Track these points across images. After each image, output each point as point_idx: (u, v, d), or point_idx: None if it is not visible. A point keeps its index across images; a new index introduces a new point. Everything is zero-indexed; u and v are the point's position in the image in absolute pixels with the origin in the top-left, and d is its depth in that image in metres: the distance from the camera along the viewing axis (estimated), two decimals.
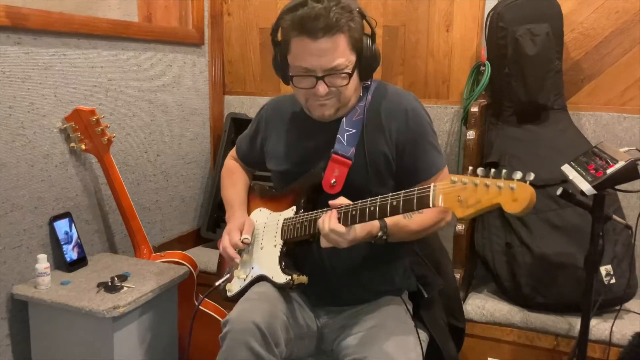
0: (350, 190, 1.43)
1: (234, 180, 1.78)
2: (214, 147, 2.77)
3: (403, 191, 1.24)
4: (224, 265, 1.73)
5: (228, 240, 1.56)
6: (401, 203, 1.24)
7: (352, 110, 1.48)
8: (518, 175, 1.02)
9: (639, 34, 2.15)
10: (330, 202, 1.36)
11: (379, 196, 1.28)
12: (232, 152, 1.84)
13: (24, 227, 1.81)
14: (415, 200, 1.21)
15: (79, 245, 1.95)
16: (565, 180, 2.01)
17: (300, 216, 1.48)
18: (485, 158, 2.23)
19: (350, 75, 1.38)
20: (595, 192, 1.46)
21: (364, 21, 1.40)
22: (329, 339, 1.54)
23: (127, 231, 2.10)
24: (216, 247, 2.59)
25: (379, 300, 1.55)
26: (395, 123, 1.46)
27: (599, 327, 1.86)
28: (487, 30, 2.22)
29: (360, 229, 1.33)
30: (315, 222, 1.39)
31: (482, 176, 1.07)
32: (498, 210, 2.01)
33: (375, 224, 1.35)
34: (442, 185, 1.14)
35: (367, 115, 1.47)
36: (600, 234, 1.61)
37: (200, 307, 2.02)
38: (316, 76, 1.36)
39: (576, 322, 1.87)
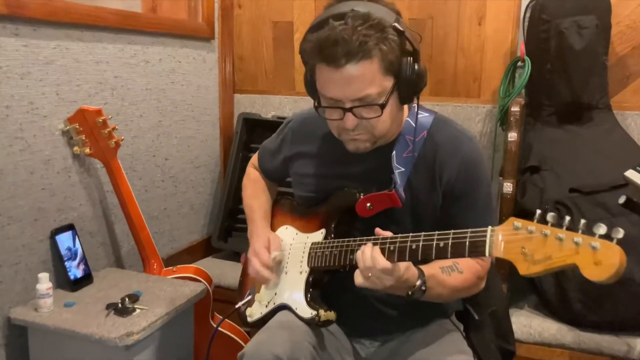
0: (385, 219, 1.25)
1: (257, 191, 1.60)
2: (224, 150, 2.58)
3: (452, 231, 1.05)
4: (246, 284, 1.55)
5: (258, 262, 1.37)
6: (450, 246, 1.04)
7: (401, 142, 1.28)
8: (602, 229, 0.84)
9: None
10: (378, 230, 1.17)
11: (422, 233, 1.09)
12: (254, 161, 1.65)
13: (22, 242, 1.62)
14: (467, 245, 1.02)
15: (84, 261, 1.75)
16: (616, 187, 1.86)
17: (329, 243, 1.29)
18: (523, 162, 2.06)
19: (383, 106, 1.16)
20: None
21: (404, 38, 1.17)
22: None
23: (135, 243, 1.90)
24: (228, 258, 2.45)
25: (430, 324, 1.38)
26: (447, 173, 1.26)
27: None
28: (527, 23, 2.06)
29: (406, 269, 1.12)
30: (347, 254, 1.22)
31: (552, 224, 0.89)
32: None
33: (416, 271, 1.16)
34: (502, 230, 0.96)
35: (420, 156, 1.27)
36: None
37: (220, 328, 1.86)
38: (343, 107, 1.17)
39: (635, 344, 1.72)
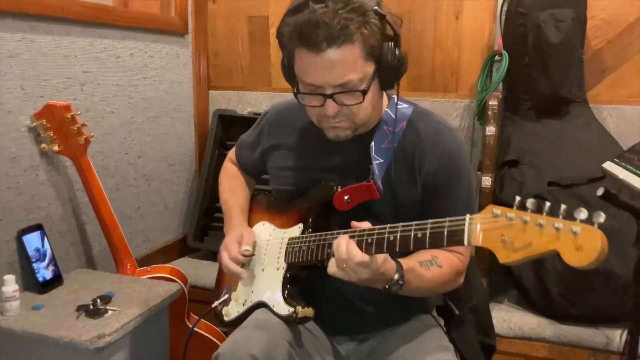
0: (364, 212, 1.22)
1: (234, 186, 1.55)
2: (199, 147, 2.53)
3: (430, 221, 1.02)
4: (223, 283, 1.51)
5: (227, 255, 1.34)
6: (428, 236, 1.01)
7: (380, 133, 1.25)
8: (582, 214, 0.81)
9: None
10: (354, 222, 1.13)
11: (400, 224, 1.06)
12: (232, 155, 1.61)
13: None
14: (445, 235, 0.98)
15: (53, 262, 1.69)
16: (594, 179, 1.87)
17: (307, 237, 1.26)
18: (502, 156, 2.05)
19: (365, 92, 1.13)
20: None
21: (385, 22, 1.13)
22: None
23: (107, 243, 1.84)
24: (205, 258, 2.40)
25: (410, 320, 1.35)
26: (427, 164, 1.24)
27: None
28: (504, 17, 2.05)
29: (383, 262, 1.08)
30: (324, 248, 1.18)
31: (532, 210, 0.86)
32: None
33: (394, 264, 1.12)
34: (481, 218, 0.92)
35: (399, 147, 1.24)
36: None
37: (196, 329, 1.81)
38: (324, 94, 1.13)
39: (615, 335, 1.72)
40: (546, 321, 1.80)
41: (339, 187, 1.25)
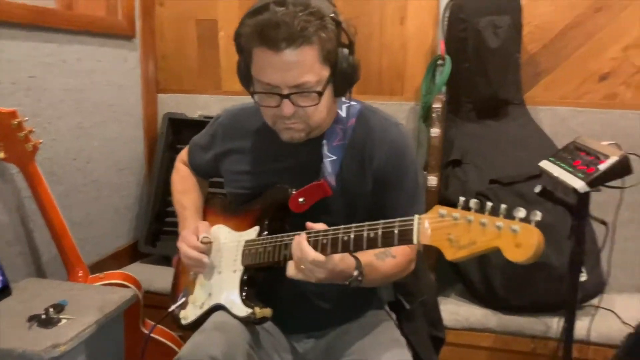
0: (318, 211, 1.26)
1: (187, 187, 1.56)
2: (148, 151, 2.51)
3: (382, 221, 1.07)
4: (179, 287, 1.52)
5: (185, 246, 1.35)
6: (380, 235, 1.06)
7: (331, 131, 1.30)
8: (521, 213, 0.88)
9: (592, 27, 2.15)
10: (309, 224, 1.17)
11: (353, 225, 1.10)
12: (183, 156, 1.61)
13: None
14: (396, 234, 1.04)
15: (0, 272, 1.65)
16: (532, 177, 1.98)
17: (263, 239, 1.29)
18: (446, 156, 2.14)
19: (320, 94, 1.17)
20: (589, 189, 1.39)
21: (341, 29, 1.18)
22: None
23: (58, 251, 1.81)
24: (157, 263, 2.38)
25: (364, 315, 1.40)
26: (376, 159, 1.29)
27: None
28: (446, 23, 2.14)
29: (340, 261, 1.13)
30: (281, 249, 1.22)
31: (476, 210, 0.93)
32: None
33: (352, 261, 1.17)
34: (428, 218, 0.99)
35: (350, 143, 1.29)
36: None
37: (152, 335, 1.80)
38: (280, 94, 1.16)
39: (552, 322, 1.83)
40: (490, 312, 1.90)
41: (294, 190, 1.29)
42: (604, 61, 2.16)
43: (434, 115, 2.04)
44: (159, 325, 1.86)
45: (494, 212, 0.91)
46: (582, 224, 1.53)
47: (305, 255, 1.11)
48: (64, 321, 1.51)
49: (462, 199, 0.96)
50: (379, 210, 1.23)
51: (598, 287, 1.93)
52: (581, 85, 2.20)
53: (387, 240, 1.05)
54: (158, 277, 2.18)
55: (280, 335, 1.38)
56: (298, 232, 1.19)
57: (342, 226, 1.12)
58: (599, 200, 1.59)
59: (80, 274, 1.83)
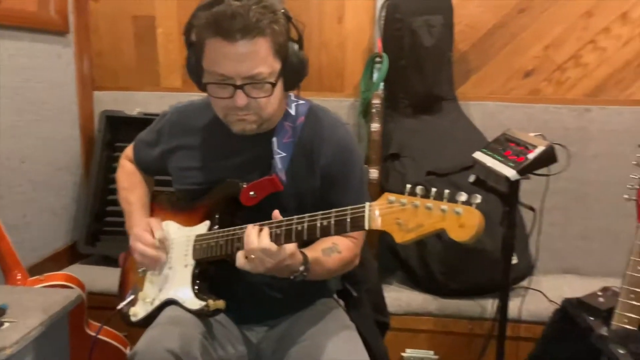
0: (269, 206, 1.29)
1: (133, 183, 1.56)
2: (85, 150, 2.45)
3: (334, 210, 1.12)
4: (127, 285, 1.51)
5: (141, 245, 1.35)
6: (332, 224, 1.11)
7: (281, 128, 1.34)
8: (463, 197, 0.96)
9: (517, 27, 2.29)
10: (276, 213, 1.19)
11: (307, 214, 1.15)
12: (128, 153, 1.60)
13: None
14: (349, 221, 1.09)
15: None
16: (465, 168, 2.09)
17: (214, 233, 1.31)
18: (385, 150, 2.23)
19: (273, 85, 1.22)
20: (519, 177, 1.50)
21: (290, 24, 1.24)
22: (267, 353, 1.40)
23: None
24: (97, 263, 2.33)
25: (314, 304, 1.45)
26: (324, 157, 1.34)
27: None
28: (382, 22, 2.22)
29: (290, 255, 1.17)
30: (232, 242, 1.24)
31: (421, 196, 1.00)
32: None
33: (300, 257, 1.21)
34: (378, 205, 1.05)
35: (298, 141, 1.34)
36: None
37: (94, 335, 1.78)
38: (234, 85, 1.20)
39: (487, 304, 1.95)
40: (430, 297, 2.00)
41: (245, 183, 1.31)
42: (528, 59, 2.31)
43: (373, 111, 2.12)
44: (108, 328, 1.85)
45: (439, 197, 0.98)
46: (513, 210, 1.64)
47: (259, 244, 1.14)
48: (6, 324, 1.46)
49: (408, 186, 1.02)
50: (326, 207, 1.29)
51: (527, 269, 2.07)
52: (507, 82, 2.34)
53: (340, 228, 1.10)
54: (99, 278, 2.14)
55: (232, 326, 1.40)
56: (250, 225, 1.21)
57: (295, 216, 1.16)
58: (526, 188, 1.72)
59: (18, 277, 1.77)
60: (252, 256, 1.16)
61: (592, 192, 2.28)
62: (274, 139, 1.32)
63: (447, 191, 0.98)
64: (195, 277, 1.32)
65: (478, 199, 0.95)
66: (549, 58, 2.30)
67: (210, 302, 1.28)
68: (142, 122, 2.33)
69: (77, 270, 2.24)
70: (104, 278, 2.12)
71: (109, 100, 2.52)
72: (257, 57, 1.17)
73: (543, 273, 2.21)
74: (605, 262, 2.30)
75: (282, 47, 1.21)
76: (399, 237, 1.01)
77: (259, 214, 1.25)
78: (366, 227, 1.06)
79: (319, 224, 1.13)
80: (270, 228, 1.17)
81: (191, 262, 1.33)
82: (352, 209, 1.09)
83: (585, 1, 2.23)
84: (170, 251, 1.38)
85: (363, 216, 1.07)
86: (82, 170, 2.44)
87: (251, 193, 1.31)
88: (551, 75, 2.31)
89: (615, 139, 2.25)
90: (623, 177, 2.23)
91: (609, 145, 2.26)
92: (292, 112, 1.36)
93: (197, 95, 2.45)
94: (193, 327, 1.27)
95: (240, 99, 1.20)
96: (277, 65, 1.22)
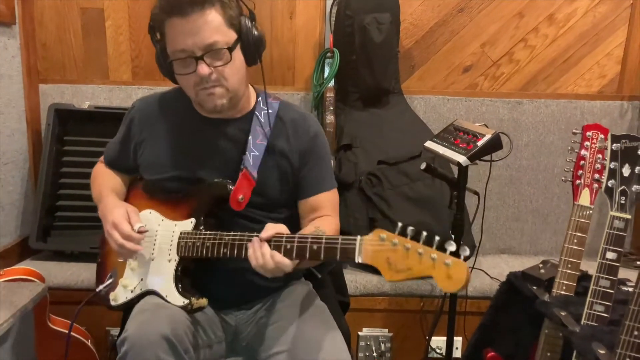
0: (251, 210, 1.39)
1: (105, 179, 1.57)
2: (32, 144, 2.39)
3: (325, 236, 1.18)
4: (106, 268, 1.52)
5: (118, 234, 1.35)
6: (323, 249, 1.17)
7: (254, 129, 1.41)
8: (452, 247, 1.00)
9: (456, 26, 2.46)
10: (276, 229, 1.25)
11: (297, 234, 1.22)
12: (101, 158, 1.64)
13: None
14: (339, 250, 1.15)
15: None
16: (413, 157, 2.24)
17: (200, 234, 1.34)
18: (338, 141, 2.33)
19: (231, 50, 1.29)
20: (469, 163, 1.65)
21: (239, 1, 1.35)
22: (243, 334, 1.47)
23: None
24: (50, 259, 2.29)
25: (287, 286, 1.53)
26: (300, 147, 1.43)
27: None
28: (334, 18, 2.31)
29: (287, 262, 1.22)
30: (220, 247, 1.29)
31: (411, 237, 1.05)
32: (357, 188, 2.11)
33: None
34: (369, 241, 1.10)
35: (270, 140, 1.41)
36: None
37: (59, 329, 1.79)
38: (195, 57, 1.28)
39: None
40: (383, 279, 2.12)
41: (232, 186, 1.36)
42: (466, 56, 2.49)
43: (327, 103, 2.22)
44: (65, 320, 1.84)
45: (429, 241, 1.03)
46: (462, 194, 1.79)
47: (279, 260, 1.20)
48: None
49: (400, 224, 1.08)
50: (302, 187, 1.40)
51: (471, 250, 2.24)
52: (448, 77, 2.51)
53: (330, 255, 1.16)
54: (54, 273, 2.11)
55: (211, 311, 1.45)
56: (239, 233, 1.27)
57: (285, 235, 1.22)
58: (470, 174, 1.86)
59: None
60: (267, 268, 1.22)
61: (524, 177, 2.50)
62: (249, 138, 1.40)
63: (437, 238, 1.02)
64: (178, 273, 1.35)
65: (467, 251, 1.00)
66: (484, 55, 2.48)
67: (194, 300, 1.32)
68: (93, 115, 2.33)
69: (29, 265, 2.18)
70: (59, 273, 2.11)
71: (55, 94, 2.47)
72: (210, 26, 1.26)
73: (482, 254, 2.38)
74: (535, 241, 2.54)
75: (233, 18, 1.31)
76: (388, 276, 1.06)
77: (242, 217, 1.36)
78: (356, 260, 1.11)
79: (308, 247, 1.18)
80: (279, 243, 1.22)
81: (175, 258, 1.35)
82: (343, 239, 1.15)
83: (518, 2, 2.43)
84: (153, 242, 1.39)
85: (354, 248, 1.12)
86: (29, 165, 2.39)
87: (240, 197, 1.36)
88: (487, 70, 2.50)
89: (544, 128, 2.47)
90: (551, 164, 2.49)
91: (538, 135, 2.47)
92: (263, 106, 1.44)
93: (146, 89, 2.49)
94: (180, 313, 1.30)
95: (202, 68, 1.28)
96: (232, 35, 1.30)
